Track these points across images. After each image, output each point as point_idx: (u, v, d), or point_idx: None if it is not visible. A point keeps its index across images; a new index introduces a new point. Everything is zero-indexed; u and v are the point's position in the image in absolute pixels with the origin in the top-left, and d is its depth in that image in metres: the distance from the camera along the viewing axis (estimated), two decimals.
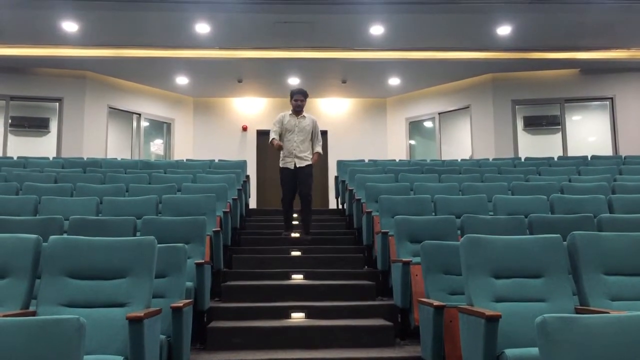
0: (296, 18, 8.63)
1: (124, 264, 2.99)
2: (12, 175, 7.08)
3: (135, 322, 2.57)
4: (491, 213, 5.60)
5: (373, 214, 5.90)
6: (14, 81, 10.57)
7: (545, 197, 5.75)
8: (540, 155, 10.00)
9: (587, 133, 11.43)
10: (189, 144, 12.40)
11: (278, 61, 10.29)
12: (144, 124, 11.92)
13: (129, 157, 11.14)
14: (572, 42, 9.75)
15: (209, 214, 5.37)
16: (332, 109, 12.61)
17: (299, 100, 6.58)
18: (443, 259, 3.67)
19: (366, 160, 9.88)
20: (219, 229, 5.31)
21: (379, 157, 11.26)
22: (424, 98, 12.21)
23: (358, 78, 11.36)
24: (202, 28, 8.96)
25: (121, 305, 2.88)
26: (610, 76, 10.97)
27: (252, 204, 10.81)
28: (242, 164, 9.12)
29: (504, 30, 9.14)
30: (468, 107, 11.56)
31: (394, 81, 11.58)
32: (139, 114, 11.75)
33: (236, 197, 6.89)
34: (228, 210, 6.13)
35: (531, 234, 4.62)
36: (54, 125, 10.82)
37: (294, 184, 6.49)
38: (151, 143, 12.32)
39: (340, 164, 9.35)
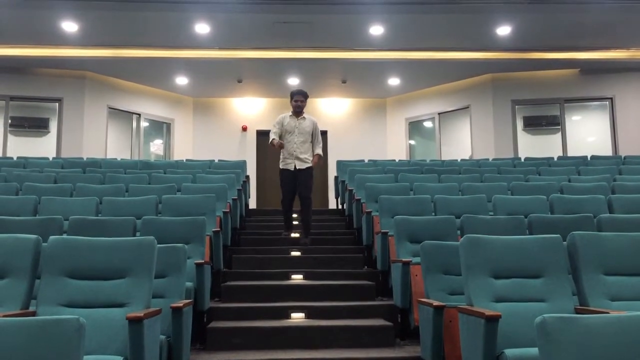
0: (296, 18, 8.63)
1: (124, 264, 2.99)
2: (11, 176, 7.08)
3: (135, 323, 2.57)
4: (491, 213, 5.60)
5: (373, 214, 5.90)
6: (14, 81, 10.57)
7: (545, 197, 5.76)
8: (540, 155, 10.00)
9: (587, 133, 11.43)
10: (189, 144, 12.41)
11: (278, 61, 10.29)
12: (144, 124, 11.92)
13: (128, 158, 11.14)
14: (571, 42, 9.75)
15: (208, 214, 5.37)
16: (332, 109, 12.61)
17: (299, 101, 6.53)
18: (443, 259, 3.67)
19: (366, 161, 9.88)
20: (218, 229, 5.31)
21: (378, 157, 11.27)
22: (424, 98, 12.21)
23: (358, 78, 11.37)
24: (202, 28, 8.96)
25: (121, 305, 2.88)
26: (609, 76, 10.97)
27: (252, 204, 10.81)
28: (242, 164, 9.12)
29: (503, 30, 9.15)
30: (468, 107, 11.56)
31: (394, 81, 11.58)
32: (139, 114, 11.76)
33: (236, 198, 6.89)
34: (228, 210, 6.13)
35: (531, 234, 4.62)
36: (53, 126, 10.82)
37: (293, 186, 6.43)
38: (151, 143, 12.33)
39: (340, 164, 9.35)
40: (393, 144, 12.56)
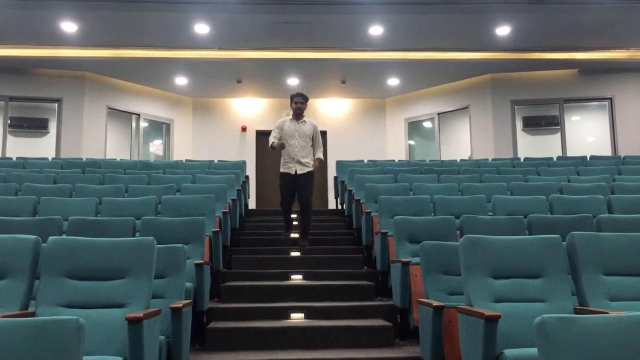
0: (295, 18, 8.63)
1: (123, 264, 2.99)
2: (11, 176, 7.07)
3: (134, 323, 2.57)
4: (490, 213, 5.60)
5: (372, 214, 5.90)
6: (13, 82, 10.57)
7: (544, 197, 5.76)
8: (539, 155, 10.01)
9: (586, 133, 11.44)
10: (188, 144, 12.40)
11: (277, 61, 10.29)
12: (143, 124, 11.92)
13: (128, 158, 11.13)
14: (571, 43, 9.76)
15: (208, 214, 5.36)
16: (332, 110, 12.61)
17: (299, 103, 6.47)
18: (442, 260, 3.67)
19: (365, 161, 9.88)
20: (218, 229, 5.30)
21: (378, 157, 11.27)
22: (423, 98, 12.21)
23: (357, 78, 11.37)
24: (202, 28, 8.96)
25: (120, 305, 2.88)
26: (609, 76, 10.98)
27: (252, 204, 10.81)
28: (242, 165, 9.12)
29: (503, 30, 9.15)
30: (467, 108, 11.57)
31: (393, 81, 11.58)
32: (138, 115, 11.75)
33: (235, 198, 6.89)
34: (227, 210, 6.12)
35: (530, 234, 4.62)
36: (53, 126, 10.82)
37: (293, 190, 6.36)
38: (150, 143, 12.32)
39: (340, 164, 9.35)
40: (392, 144, 12.57)
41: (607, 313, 2.55)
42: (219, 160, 9.67)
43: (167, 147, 12.33)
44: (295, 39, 9.40)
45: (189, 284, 3.77)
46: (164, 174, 7.87)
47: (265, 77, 11.18)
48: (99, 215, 5.41)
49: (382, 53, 10.01)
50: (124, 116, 11.61)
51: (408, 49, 9.93)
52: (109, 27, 8.94)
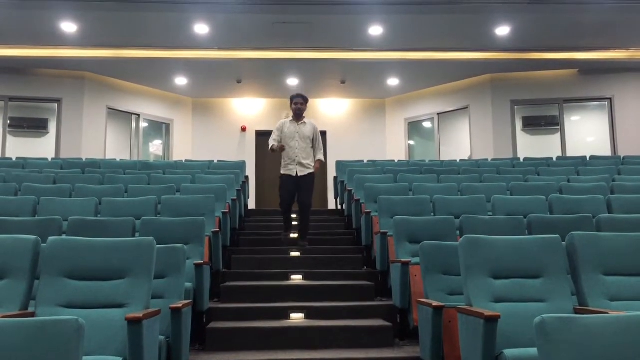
0: (295, 18, 8.63)
1: (123, 264, 2.99)
2: (11, 176, 7.07)
3: (134, 323, 2.57)
4: (490, 213, 5.60)
5: (372, 214, 5.90)
6: (13, 82, 10.57)
7: (544, 197, 5.75)
8: (539, 155, 10.01)
9: (586, 133, 11.44)
10: (188, 144, 12.40)
11: (277, 62, 10.29)
12: (143, 124, 11.92)
13: (128, 158, 11.13)
14: (570, 43, 9.76)
15: (208, 214, 5.36)
16: (331, 110, 12.61)
17: (299, 104, 6.46)
18: (442, 260, 3.67)
19: (365, 161, 9.88)
20: (218, 229, 5.30)
21: (378, 157, 11.27)
22: (423, 98, 12.22)
23: (357, 78, 11.37)
24: (201, 29, 8.96)
25: (120, 306, 2.88)
26: (609, 76, 10.98)
27: (251, 204, 10.81)
28: (241, 165, 9.12)
29: (502, 30, 9.15)
30: (467, 108, 11.57)
31: (393, 82, 11.58)
32: (138, 115, 11.75)
33: (235, 198, 6.89)
34: (227, 211, 6.12)
35: (530, 234, 4.62)
36: (52, 126, 10.82)
37: (293, 192, 6.34)
38: (150, 144, 12.32)
39: (339, 164, 9.35)
40: (392, 145, 12.57)
41: (607, 313, 2.55)
42: (218, 161, 9.67)
43: (166, 147, 12.33)
44: (295, 39, 9.40)
45: (188, 284, 3.77)
46: (164, 174, 7.87)
47: (265, 77, 11.18)
48: (99, 216, 5.41)
49: (381, 53, 10.01)
50: (124, 116, 11.61)
51: (408, 49, 9.93)
52: (108, 27, 8.94)
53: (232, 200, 6.72)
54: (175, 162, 9.53)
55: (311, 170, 6.40)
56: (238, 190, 7.36)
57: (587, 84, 11.08)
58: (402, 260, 4.17)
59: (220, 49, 9.81)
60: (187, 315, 3.26)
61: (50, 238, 3.07)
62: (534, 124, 11.34)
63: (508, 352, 2.63)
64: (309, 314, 4.44)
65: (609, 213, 5.49)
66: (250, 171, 11.43)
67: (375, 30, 9.09)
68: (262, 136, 11.92)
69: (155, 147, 12.39)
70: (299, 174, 6.33)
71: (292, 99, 6.58)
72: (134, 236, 4.55)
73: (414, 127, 12.59)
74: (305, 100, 6.58)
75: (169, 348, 3.05)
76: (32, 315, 2.83)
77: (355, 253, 6.14)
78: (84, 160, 9.18)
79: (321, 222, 7.81)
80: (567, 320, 1.93)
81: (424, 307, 3.32)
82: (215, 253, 5.09)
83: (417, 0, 8.13)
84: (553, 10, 8.43)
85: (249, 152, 12.26)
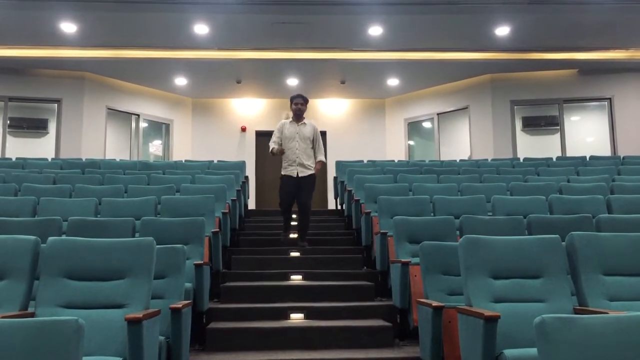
0: (295, 19, 8.63)
1: (123, 265, 2.99)
2: (10, 177, 7.07)
3: (134, 324, 2.57)
4: (490, 213, 5.60)
5: (372, 214, 5.90)
6: (13, 82, 10.57)
7: (543, 197, 5.76)
8: (538, 155, 10.01)
9: (586, 133, 11.44)
10: (188, 144, 12.41)
11: (277, 62, 10.29)
12: (143, 124, 11.92)
13: (127, 158, 11.13)
14: (570, 43, 9.76)
15: (207, 215, 5.36)
16: (331, 110, 12.61)
17: (299, 104, 6.45)
18: (442, 260, 3.67)
19: (365, 161, 9.88)
20: (217, 229, 5.30)
21: (377, 157, 11.28)
22: (423, 99, 12.22)
23: (357, 79, 11.37)
24: (201, 29, 8.96)
25: (120, 306, 2.88)
26: (608, 76, 10.98)
27: (251, 204, 10.81)
28: (241, 165, 9.11)
29: (502, 30, 9.15)
30: (467, 108, 11.57)
31: (393, 82, 11.58)
32: (138, 115, 11.75)
33: (235, 198, 6.89)
34: (227, 211, 6.12)
35: (530, 234, 4.62)
36: (52, 127, 10.82)
37: (294, 193, 6.33)
38: (150, 144, 12.32)
39: (339, 164, 9.35)
40: (392, 145, 12.57)
41: (607, 313, 2.55)
42: (218, 161, 9.67)
43: (166, 147, 12.33)
44: (295, 40, 9.40)
45: (188, 285, 3.77)
46: (164, 174, 7.87)
47: (265, 77, 11.18)
48: (99, 216, 5.41)
49: (381, 53, 10.01)
50: (124, 116, 11.61)
51: (407, 49, 9.93)
52: (108, 28, 8.94)
53: (232, 200, 6.72)
54: (175, 162, 9.53)
55: (312, 172, 6.40)
56: (238, 191, 7.35)
57: (587, 84, 11.08)
58: (402, 260, 4.17)
59: (220, 49, 9.81)
60: (187, 315, 3.26)
61: (50, 238, 3.07)
62: (533, 124, 11.34)
63: (508, 352, 2.63)
64: (309, 314, 4.44)
65: (608, 213, 5.49)
66: (250, 171, 11.43)
67: (375, 30, 9.10)
68: (262, 136, 11.93)
69: (155, 147, 12.39)
70: (300, 175, 6.33)
71: (292, 99, 6.57)
72: (133, 236, 4.54)
73: (413, 127, 12.59)
74: (305, 101, 6.57)
75: (169, 348, 3.05)
76: (32, 315, 2.83)
77: (355, 253, 6.14)
78: (83, 160, 9.17)
79: (321, 222, 7.81)
80: (566, 320, 1.93)
81: (424, 307, 3.32)
82: (215, 253, 5.09)
83: (417, 0, 8.13)
84: (553, 10, 8.43)
85: (249, 152, 12.26)
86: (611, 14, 8.56)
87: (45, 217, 4.76)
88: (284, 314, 4.44)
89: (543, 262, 3.09)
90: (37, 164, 8.51)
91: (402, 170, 8.07)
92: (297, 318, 4.42)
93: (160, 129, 12.34)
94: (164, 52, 9.87)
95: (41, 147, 10.65)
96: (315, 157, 6.49)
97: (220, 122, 12.47)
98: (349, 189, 7.55)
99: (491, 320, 2.63)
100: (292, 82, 11.34)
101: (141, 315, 2.59)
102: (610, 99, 11.04)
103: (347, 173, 8.05)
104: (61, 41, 9.38)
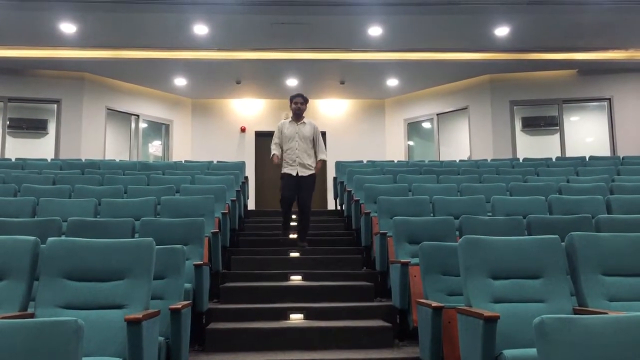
0: (294, 19, 8.64)
1: (123, 265, 2.99)
2: (10, 177, 7.07)
3: (133, 324, 2.57)
4: (489, 214, 5.61)
5: (371, 214, 5.90)
6: (12, 83, 10.56)
7: (543, 197, 5.76)
8: (538, 156, 10.01)
9: (585, 134, 11.45)
10: (188, 145, 12.40)
11: (276, 62, 10.29)
12: (142, 125, 11.92)
13: (127, 159, 11.13)
14: (569, 43, 9.77)
15: (207, 215, 5.35)
16: (331, 110, 12.61)
17: (299, 104, 6.46)
18: (441, 260, 3.68)
19: (364, 161, 9.88)
20: (217, 230, 5.30)
21: (377, 158, 11.27)
22: (422, 99, 12.22)
23: (356, 79, 11.37)
24: (201, 29, 8.96)
25: (119, 307, 2.88)
26: (608, 77, 10.99)
27: (251, 205, 10.80)
28: (241, 165, 9.11)
29: (501, 31, 9.16)
30: (466, 108, 11.57)
31: (392, 82, 11.59)
32: (137, 116, 11.75)
33: (235, 199, 6.88)
34: (226, 211, 6.12)
35: (529, 234, 4.62)
36: (52, 127, 10.81)
37: (294, 192, 6.34)
38: (149, 144, 12.32)
39: (339, 165, 9.35)
40: (392, 145, 12.57)
41: (606, 313, 2.55)
42: (218, 161, 9.67)
43: (166, 148, 12.33)
44: (294, 40, 9.40)
45: (188, 285, 3.77)
46: (163, 174, 7.87)
47: (265, 77, 11.18)
48: (98, 216, 5.41)
49: (381, 54, 10.01)
50: (123, 117, 11.61)
51: (407, 50, 9.93)
52: (108, 28, 8.94)
53: (232, 200, 6.72)
54: (175, 162, 9.53)
55: (312, 171, 6.40)
56: (237, 191, 7.35)
57: (587, 85, 11.08)
58: (402, 260, 4.17)
59: (219, 49, 9.81)
60: (186, 316, 3.26)
61: (50, 239, 3.07)
62: (533, 125, 11.34)
63: (507, 352, 2.63)
64: (309, 314, 4.44)
65: (608, 213, 5.49)
66: (250, 172, 11.43)
67: (375, 30, 9.10)
68: (262, 137, 11.93)
69: (155, 147, 12.38)
70: (300, 174, 6.34)
71: (291, 99, 6.58)
72: (133, 237, 4.54)
73: (413, 128, 12.59)
74: (305, 100, 6.57)
75: (169, 349, 3.05)
76: (32, 316, 2.83)
77: (355, 254, 6.14)
78: (83, 161, 9.17)
79: (321, 223, 7.81)
80: (566, 320, 1.93)
81: (424, 307, 3.32)
82: (215, 254, 5.09)
83: (416, 0, 8.14)
84: (552, 10, 8.43)
85: (249, 152, 12.26)
86: (610, 14, 8.56)
87: (45, 218, 4.75)
88: (284, 314, 4.44)
89: (542, 262, 3.09)
90: (37, 164, 8.51)
91: (401, 171, 8.07)
92: (296, 318, 4.42)
93: (159, 129, 12.34)
94: (163, 52, 9.87)
95: (41, 148, 10.65)
96: (315, 157, 6.49)
97: (219, 122, 12.46)
98: (349, 189, 7.55)
99: (491, 321, 2.63)
100: (292, 82, 11.34)
101: (141, 316, 2.59)
102: (609, 99, 11.05)
103: (347, 173, 8.05)
104: (61, 42, 9.38)
